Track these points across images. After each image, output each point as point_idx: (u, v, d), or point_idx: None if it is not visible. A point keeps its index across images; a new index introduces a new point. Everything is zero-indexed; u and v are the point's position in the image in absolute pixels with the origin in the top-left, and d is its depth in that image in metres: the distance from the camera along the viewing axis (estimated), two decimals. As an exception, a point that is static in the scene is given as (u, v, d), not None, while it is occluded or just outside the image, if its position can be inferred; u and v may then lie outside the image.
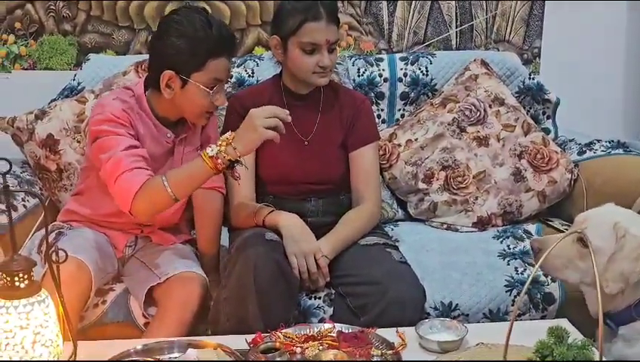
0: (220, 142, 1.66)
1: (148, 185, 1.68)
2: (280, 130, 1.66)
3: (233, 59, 2.49)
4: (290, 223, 1.86)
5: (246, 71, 2.44)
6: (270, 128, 1.64)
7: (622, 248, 1.54)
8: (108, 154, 1.73)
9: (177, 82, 1.77)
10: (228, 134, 1.67)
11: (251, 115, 1.67)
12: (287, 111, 1.69)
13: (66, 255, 1.37)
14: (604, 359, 1.12)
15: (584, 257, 1.61)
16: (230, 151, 1.64)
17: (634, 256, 1.54)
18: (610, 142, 2.37)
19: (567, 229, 2.23)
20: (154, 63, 1.82)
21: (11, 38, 2.66)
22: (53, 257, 1.36)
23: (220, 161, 1.65)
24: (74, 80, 2.41)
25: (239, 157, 1.65)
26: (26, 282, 1.31)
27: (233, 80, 2.42)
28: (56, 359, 1.35)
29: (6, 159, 1.32)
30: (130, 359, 1.46)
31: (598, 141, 2.40)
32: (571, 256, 1.62)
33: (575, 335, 1.31)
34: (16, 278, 1.30)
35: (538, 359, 1.25)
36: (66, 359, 1.40)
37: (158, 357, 1.48)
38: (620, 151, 2.32)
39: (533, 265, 1.79)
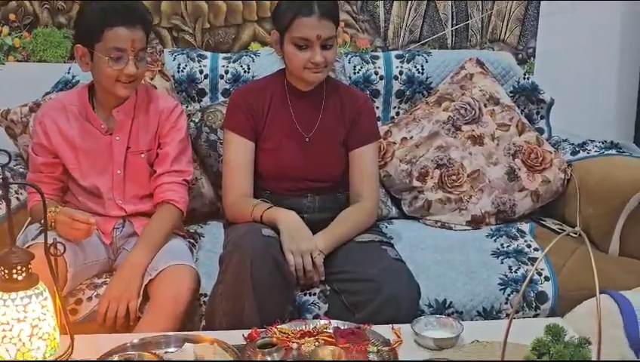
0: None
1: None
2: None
3: (229, 55, 2.51)
4: (288, 220, 1.86)
5: (242, 66, 2.45)
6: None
7: None
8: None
9: (87, 56, 1.84)
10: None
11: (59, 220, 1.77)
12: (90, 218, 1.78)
13: (64, 247, 1.37)
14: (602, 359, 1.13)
15: None
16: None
17: None
18: (603, 143, 2.39)
19: (559, 228, 2.25)
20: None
21: (5, 29, 2.64)
22: (52, 250, 1.36)
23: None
24: (68, 73, 2.40)
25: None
26: (24, 274, 1.31)
27: (229, 75, 2.43)
28: (53, 352, 1.35)
29: (6, 151, 1.31)
30: (127, 352, 1.45)
31: (592, 141, 2.42)
32: None
33: (571, 333, 1.32)
34: (15, 271, 1.30)
35: (535, 356, 1.26)
36: (63, 352, 1.40)
37: (154, 350, 1.48)
38: (613, 151, 2.34)
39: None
